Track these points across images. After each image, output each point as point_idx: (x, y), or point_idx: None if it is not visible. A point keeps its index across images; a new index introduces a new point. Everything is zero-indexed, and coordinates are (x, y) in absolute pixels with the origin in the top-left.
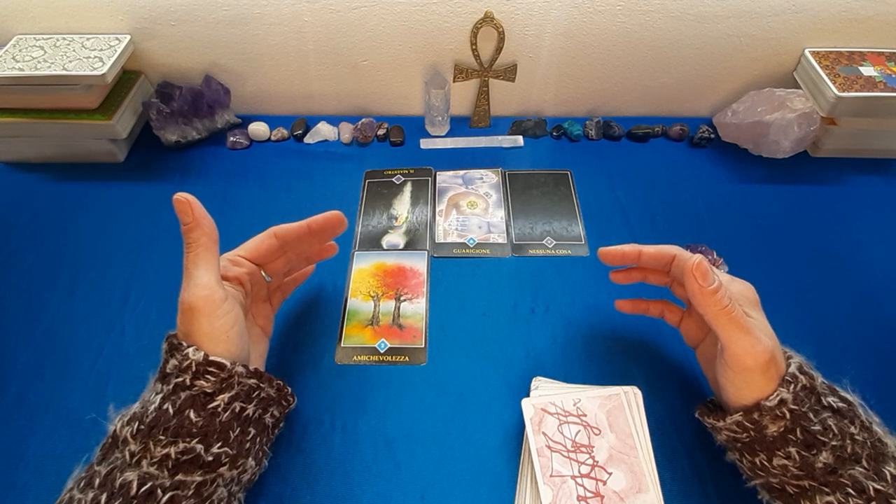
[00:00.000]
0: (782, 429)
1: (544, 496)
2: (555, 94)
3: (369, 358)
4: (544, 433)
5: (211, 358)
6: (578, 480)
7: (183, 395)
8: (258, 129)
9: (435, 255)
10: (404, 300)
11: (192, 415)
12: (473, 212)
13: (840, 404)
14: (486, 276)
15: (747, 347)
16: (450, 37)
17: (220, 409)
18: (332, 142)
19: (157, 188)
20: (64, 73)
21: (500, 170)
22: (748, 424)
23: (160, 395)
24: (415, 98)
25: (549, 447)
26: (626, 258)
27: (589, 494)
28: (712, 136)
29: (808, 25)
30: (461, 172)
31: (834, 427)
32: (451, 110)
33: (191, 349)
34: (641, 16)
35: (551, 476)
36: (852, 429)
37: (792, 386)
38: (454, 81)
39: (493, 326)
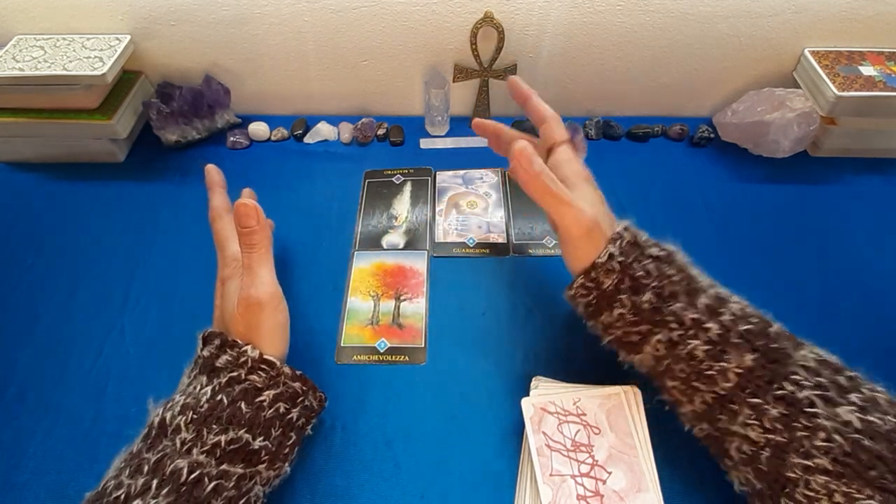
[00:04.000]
0: (615, 280)
1: (544, 495)
2: (555, 94)
3: (369, 357)
4: (544, 432)
5: (265, 356)
6: (578, 480)
7: (237, 387)
8: (258, 129)
9: (435, 255)
10: (404, 300)
11: (242, 406)
12: (473, 211)
13: (660, 252)
14: (486, 276)
15: (572, 220)
16: (450, 37)
17: (265, 404)
18: (332, 142)
19: (157, 188)
20: (64, 73)
21: (500, 169)
22: (589, 284)
23: (210, 388)
24: (415, 98)
25: (548, 446)
26: (520, 97)
27: (589, 493)
28: (712, 135)
29: (807, 25)
30: (461, 172)
31: (654, 270)
32: (451, 110)
33: (248, 347)
34: (641, 16)
35: (551, 475)
36: (669, 271)
37: (619, 242)
38: (454, 81)
39: (493, 326)
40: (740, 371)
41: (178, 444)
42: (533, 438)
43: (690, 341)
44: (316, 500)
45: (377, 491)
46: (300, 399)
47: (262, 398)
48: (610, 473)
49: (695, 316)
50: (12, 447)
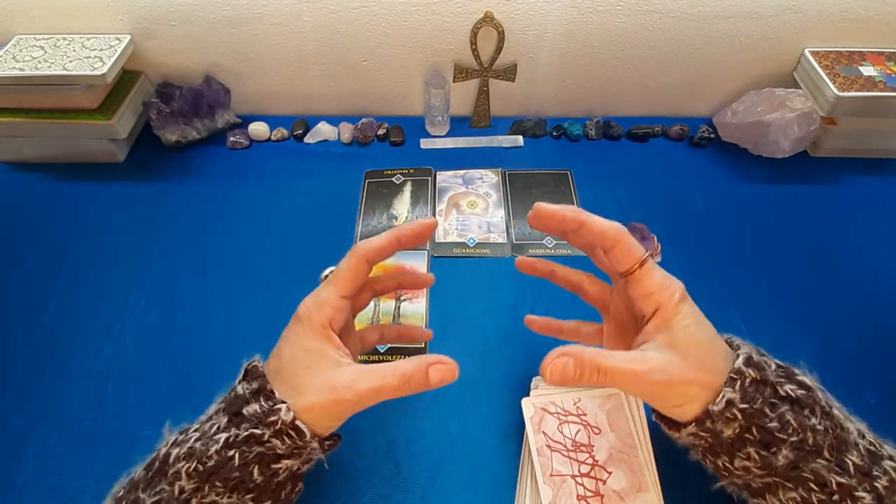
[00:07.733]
0: (737, 430)
1: (544, 495)
2: (555, 94)
3: (369, 357)
4: (544, 433)
5: (297, 423)
6: (578, 480)
7: (255, 449)
8: (258, 129)
9: (435, 255)
10: (404, 300)
11: (255, 471)
12: (473, 211)
13: (799, 392)
14: (486, 276)
15: (641, 388)
16: (450, 37)
17: (280, 471)
18: (332, 142)
19: (157, 188)
20: (64, 73)
21: (500, 170)
22: (703, 434)
23: (225, 437)
24: (415, 98)
25: (549, 446)
26: (566, 224)
27: (589, 494)
28: (712, 135)
29: (808, 25)
30: (461, 172)
31: (793, 421)
32: (451, 110)
33: (283, 406)
34: (641, 16)
35: (551, 475)
36: (813, 420)
37: (738, 384)
38: (454, 81)
39: (493, 326)
40: None
41: (177, 491)
42: (533, 438)
43: None
44: (316, 500)
45: (378, 491)
46: (315, 456)
47: (278, 466)
48: (610, 473)
49: (843, 480)
50: (12, 447)
